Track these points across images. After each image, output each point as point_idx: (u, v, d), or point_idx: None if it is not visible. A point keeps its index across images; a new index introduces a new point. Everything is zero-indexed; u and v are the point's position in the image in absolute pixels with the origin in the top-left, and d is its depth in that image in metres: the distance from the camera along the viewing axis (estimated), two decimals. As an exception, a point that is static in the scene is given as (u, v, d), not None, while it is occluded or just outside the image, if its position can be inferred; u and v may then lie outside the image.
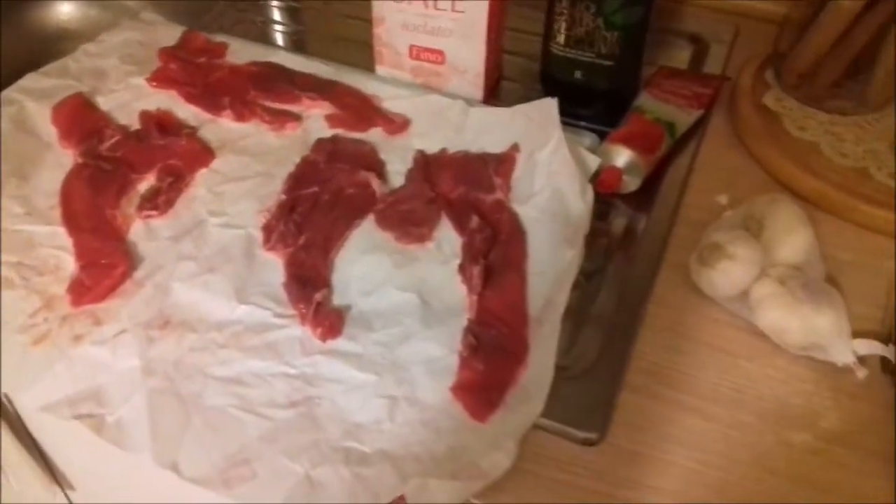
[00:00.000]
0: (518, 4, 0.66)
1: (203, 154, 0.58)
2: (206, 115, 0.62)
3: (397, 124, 0.60)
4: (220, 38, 0.70)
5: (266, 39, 0.74)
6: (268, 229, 0.52)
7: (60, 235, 0.52)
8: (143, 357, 0.45)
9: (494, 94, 0.66)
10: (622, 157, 0.55)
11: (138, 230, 0.53)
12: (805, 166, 0.56)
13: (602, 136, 0.58)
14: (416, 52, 0.63)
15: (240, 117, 0.61)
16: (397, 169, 0.57)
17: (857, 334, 0.45)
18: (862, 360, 0.45)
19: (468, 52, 0.61)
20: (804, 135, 0.59)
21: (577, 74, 0.62)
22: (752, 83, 0.64)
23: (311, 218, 0.53)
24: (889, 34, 0.55)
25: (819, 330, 0.44)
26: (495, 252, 0.50)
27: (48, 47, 0.72)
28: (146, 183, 0.56)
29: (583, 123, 0.61)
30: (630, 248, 0.53)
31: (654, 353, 0.46)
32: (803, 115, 0.60)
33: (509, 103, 0.60)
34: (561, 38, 0.60)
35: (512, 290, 0.47)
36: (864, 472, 0.41)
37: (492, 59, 0.62)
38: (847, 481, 0.41)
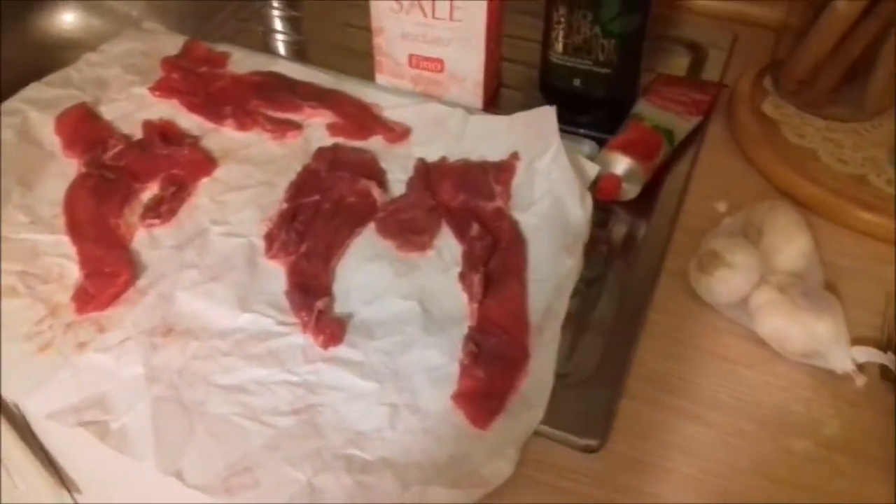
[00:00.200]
0: (517, 12, 0.67)
1: (205, 163, 0.58)
2: (208, 125, 0.62)
3: (398, 133, 0.60)
4: (221, 47, 0.70)
5: (267, 48, 0.75)
6: (270, 238, 0.52)
7: (64, 244, 0.52)
8: (147, 364, 0.45)
9: (494, 101, 0.66)
10: (621, 164, 0.55)
11: (141, 239, 0.53)
12: (804, 173, 0.57)
13: (601, 143, 0.58)
14: (416, 61, 0.63)
15: (241, 126, 0.62)
16: (398, 177, 0.57)
17: (855, 341, 0.45)
18: (861, 367, 0.45)
19: (467, 61, 0.62)
20: (803, 141, 0.59)
21: (576, 82, 0.62)
22: (751, 90, 0.64)
23: (313, 226, 0.53)
24: (886, 41, 0.55)
25: (818, 337, 0.45)
26: (496, 260, 0.50)
27: (50, 57, 0.72)
28: (149, 192, 0.57)
29: (582, 131, 0.61)
30: (629, 255, 0.53)
31: (654, 360, 0.47)
32: (802, 122, 0.61)
33: (509, 111, 0.60)
34: (559, 47, 0.61)
35: (512, 298, 0.48)
36: (864, 479, 0.41)
37: (490, 68, 0.63)
38: (848, 489, 0.41)
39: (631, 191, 0.56)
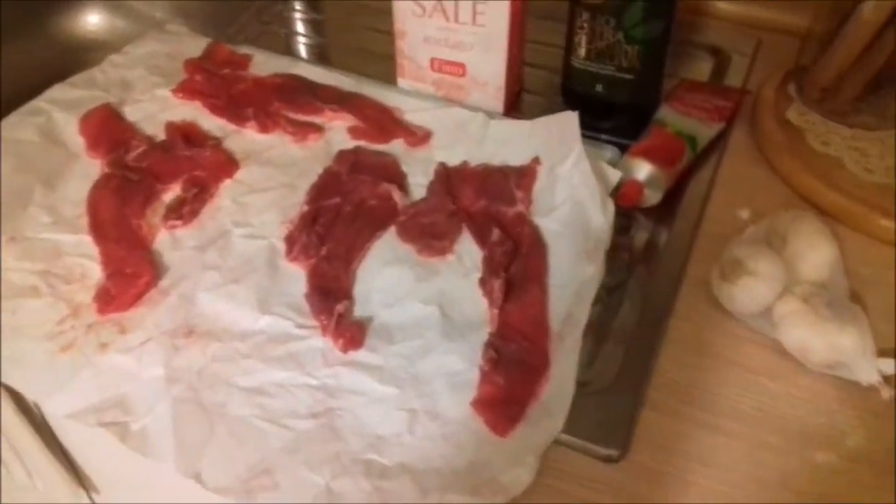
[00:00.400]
0: (539, 17, 0.66)
1: (228, 165, 0.59)
2: (230, 127, 0.63)
3: (419, 137, 0.60)
4: (244, 49, 0.70)
5: (289, 51, 0.75)
6: (290, 240, 0.52)
7: (87, 244, 0.53)
8: (168, 366, 0.45)
9: (515, 106, 0.66)
10: (643, 170, 0.55)
11: (163, 240, 0.54)
12: (828, 181, 0.56)
13: (623, 149, 0.58)
14: (438, 65, 0.63)
15: (263, 128, 0.62)
16: (419, 181, 0.57)
17: (881, 353, 0.45)
18: (887, 378, 0.44)
19: (489, 66, 0.61)
20: (828, 150, 0.59)
21: (598, 88, 0.62)
22: (775, 97, 0.63)
23: (334, 229, 0.53)
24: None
25: (843, 349, 0.44)
26: (516, 265, 0.50)
27: (75, 58, 0.73)
28: (171, 193, 0.57)
29: (604, 136, 0.61)
30: (651, 262, 0.53)
31: (676, 369, 0.46)
32: (827, 130, 0.60)
33: (531, 116, 0.60)
34: (582, 52, 0.60)
35: (533, 304, 0.47)
36: (889, 492, 0.40)
37: (512, 73, 0.63)
38: (872, 501, 0.40)
39: (653, 197, 0.55)
